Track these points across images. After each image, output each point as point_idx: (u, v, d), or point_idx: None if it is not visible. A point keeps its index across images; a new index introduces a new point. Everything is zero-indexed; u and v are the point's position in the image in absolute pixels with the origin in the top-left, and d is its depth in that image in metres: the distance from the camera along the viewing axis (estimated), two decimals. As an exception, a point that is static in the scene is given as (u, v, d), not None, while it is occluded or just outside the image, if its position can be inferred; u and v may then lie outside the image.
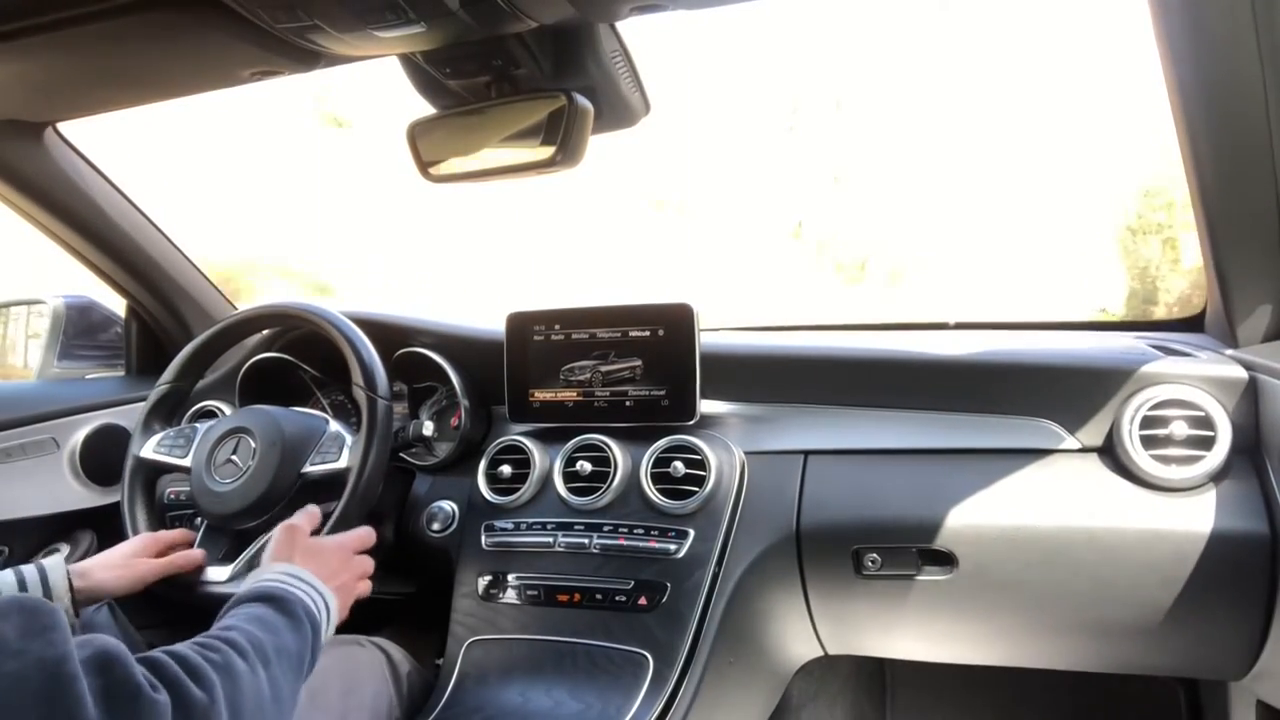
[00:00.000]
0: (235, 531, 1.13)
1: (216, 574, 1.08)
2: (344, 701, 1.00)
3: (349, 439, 1.12)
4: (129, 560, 1.05)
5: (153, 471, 1.21)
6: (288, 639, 0.78)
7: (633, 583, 1.11)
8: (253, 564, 1.07)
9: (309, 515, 1.02)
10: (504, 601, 1.16)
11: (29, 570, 0.96)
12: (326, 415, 1.19)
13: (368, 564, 1.02)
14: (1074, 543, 1.02)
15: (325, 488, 1.12)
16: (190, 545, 1.13)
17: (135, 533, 1.15)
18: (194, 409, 1.46)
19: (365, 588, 1.01)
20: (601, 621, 1.11)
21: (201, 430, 1.18)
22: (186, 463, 1.16)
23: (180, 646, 0.70)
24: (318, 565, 0.92)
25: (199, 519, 1.16)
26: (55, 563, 0.98)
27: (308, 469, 1.11)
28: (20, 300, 1.67)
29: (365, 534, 1.05)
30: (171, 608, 1.14)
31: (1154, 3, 0.88)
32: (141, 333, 1.62)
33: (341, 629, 1.10)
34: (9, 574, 0.95)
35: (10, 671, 0.56)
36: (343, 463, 1.10)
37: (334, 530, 1.04)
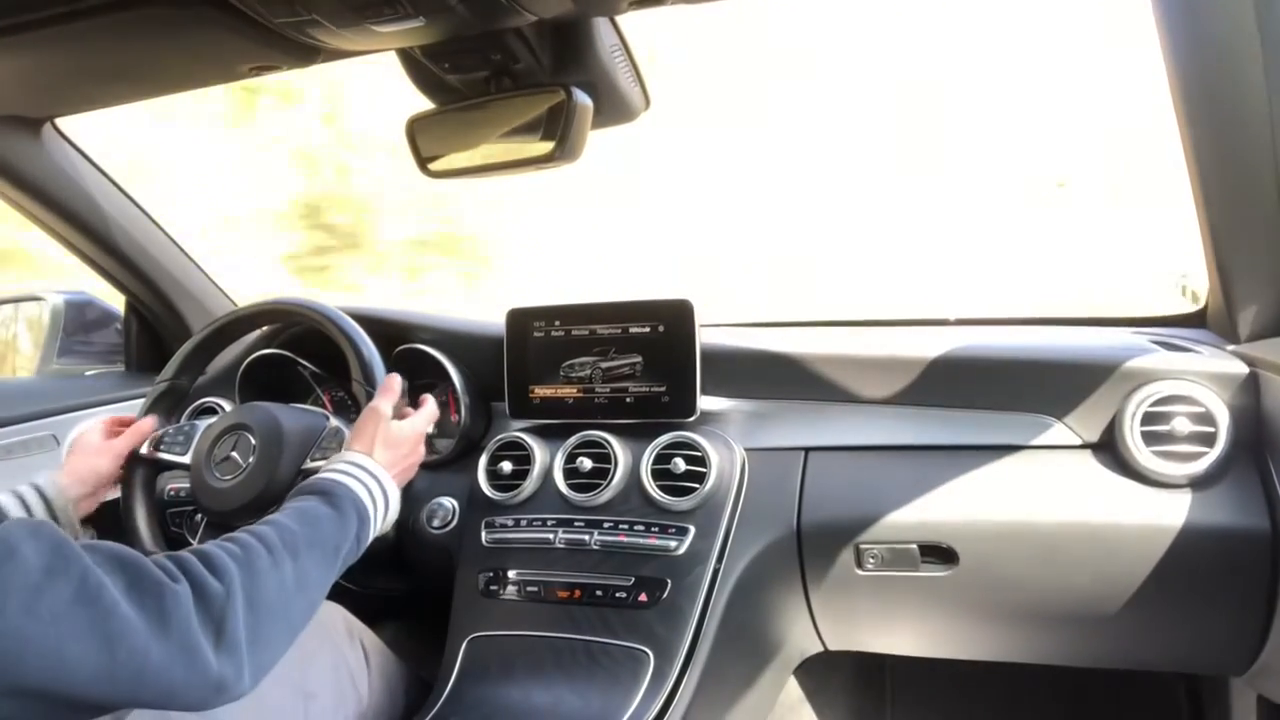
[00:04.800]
0: (235, 529, 1.13)
1: None
2: (338, 696, 1.00)
3: (349, 434, 1.12)
4: (89, 467, 1.04)
5: (151, 469, 1.20)
6: (326, 531, 0.83)
7: (633, 579, 1.11)
8: None
9: (391, 393, 1.04)
10: (504, 598, 1.16)
11: (27, 491, 0.96)
12: (327, 412, 1.18)
13: (422, 451, 1.05)
14: (1075, 538, 1.02)
15: None
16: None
17: (135, 531, 1.15)
18: (194, 406, 1.45)
19: (413, 474, 1.05)
20: (602, 618, 1.11)
21: (201, 427, 1.18)
22: (186, 460, 1.16)
23: (206, 544, 0.75)
24: (391, 455, 0.97)
25: (199, 515, 1.16)
26: (49, 480, 0.98)
27: (308, 464, 1.11)
28: (19, 296, 1.67)
29: (434, 413, 1.08)
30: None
31: (1156, 2, 0.88)
32: (141, 329, 1.62)
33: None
34: (6, 496, 0.95)
35: (48, 589, 0.59)
36: None
37: None
